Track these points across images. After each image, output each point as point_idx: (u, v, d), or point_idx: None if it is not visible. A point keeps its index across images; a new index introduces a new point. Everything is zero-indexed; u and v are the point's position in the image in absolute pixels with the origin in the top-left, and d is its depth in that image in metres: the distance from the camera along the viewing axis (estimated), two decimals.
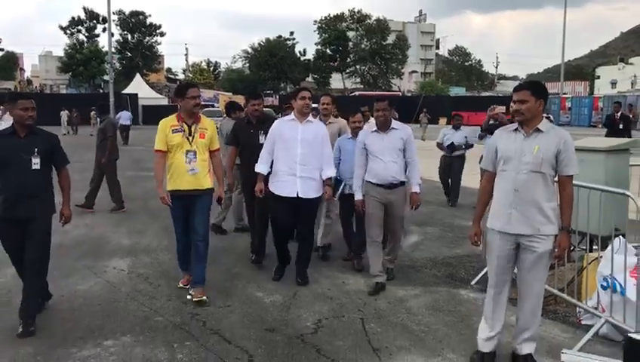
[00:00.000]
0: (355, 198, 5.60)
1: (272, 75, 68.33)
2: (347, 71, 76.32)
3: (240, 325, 4.55)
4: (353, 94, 61.00)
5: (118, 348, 4.09)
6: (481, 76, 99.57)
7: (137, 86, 52.01)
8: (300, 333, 4.38)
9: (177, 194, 5.01)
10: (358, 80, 76.98)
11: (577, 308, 4.72)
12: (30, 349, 4.06)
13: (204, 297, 5.01)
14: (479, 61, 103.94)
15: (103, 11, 63.52)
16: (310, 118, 5.60)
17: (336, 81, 76.18)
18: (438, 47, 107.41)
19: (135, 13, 68.10)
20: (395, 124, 5.52)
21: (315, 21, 75.84)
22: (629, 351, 3.01)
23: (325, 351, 4.08)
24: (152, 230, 7.96)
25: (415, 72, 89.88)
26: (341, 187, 6.19)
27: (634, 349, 2.97)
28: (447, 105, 52.63)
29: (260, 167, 5.54)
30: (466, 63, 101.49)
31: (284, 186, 5.40)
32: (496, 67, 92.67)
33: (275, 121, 5.80)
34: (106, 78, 58.99)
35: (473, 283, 5.66)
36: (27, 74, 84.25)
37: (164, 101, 52.11)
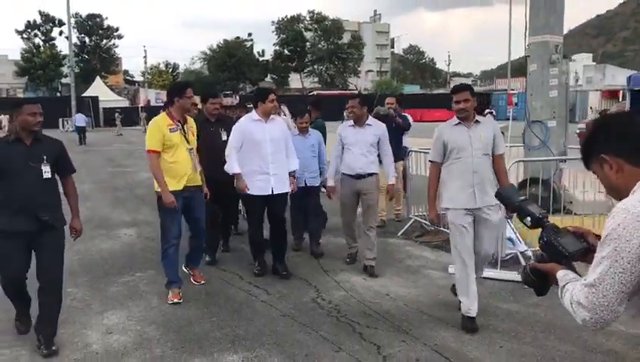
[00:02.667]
0: (327, 184, 6.20)
1: (230, 75, 69.40)
2: (305, 71, 77.96)
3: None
4: (311, 94, 62.68)
5: (145, 277, 5.80)
6: (435, 74, 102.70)
7: (97, 89, 52.55)
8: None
9: (179, 193, 5.00)
10: (316, 79, 78.72)
11: None
12: (84, 279, 5.72)
13: (203, 281, 5.55)
14: (432, 59, 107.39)
15: (58, 14, 63.78)
16: (273, 116, 5.79)
17: (295, 81, 77.69)
18: (393, 46, 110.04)
19: (92, 16, 68.14)
20: (370, 120, 5.94)
21: (273, 22, 77.36)
22: None
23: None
24: (144, 209, 9.55)
25: (371, 71, 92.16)
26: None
27: None
28: (402, 103, 55.06)
29: (235, 167, 5.55)
30: (420, 62, 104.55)
31: (260, 186, 5.57)
32: (448, 65, 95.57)
33: (240, 121, 5.84)
34: (64, 81, 59.35)
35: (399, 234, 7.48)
36: None
37: (124, 103, 52.88)
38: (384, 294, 5.26)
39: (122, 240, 7.49)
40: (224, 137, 6.04)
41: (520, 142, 7.45)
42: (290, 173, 5.78)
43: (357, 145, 5.84)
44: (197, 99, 6.68)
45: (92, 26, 68.12)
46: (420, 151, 8.16)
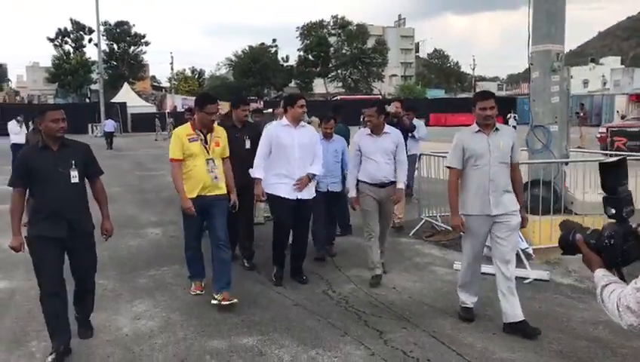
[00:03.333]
0: (350, 195, 5.99)
1: (255, 81, 70.24)
2: (329, 76, 78.47)
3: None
4: (335, 98, 63.17)
5: (171, 271, 6.28)
6: (461, 78, 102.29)
7: (125, 95, 53.66)
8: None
9: (196, 201, 5.08)
10: (340, 84, 79.21)
11: None
12: (114, 272, 6.22)
13: (235, 300, 5.07)
14: (457, 63, 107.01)
15: (88, 22, 65.34)
16: (302, 122, 5.81)
17: (319, 86, 78.28)
18: (417, 51, 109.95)
19: (120, 24, 69.62)
20: (387, 128, 5.89)
21: (297, 27, 78.06)
22: None
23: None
24: (170, 211, 10.04)
25: (395, 75, 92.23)
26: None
27: None
28: (425, 107, 55.26)
29: (259, 172, 5.59)
30: (445, 66, 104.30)
31: (285, 188, 5.59)
32: (473, 69, 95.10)
33: (269, 127, 5.99)
34: (93, 87, 60.85)
35: (410, 234, 7.84)
36: (12, 84, 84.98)
37: (152, 109, 53.88)
38: (390, 287, 5.64)
39: (149, 238, 8.00)
40: (247, 145, 6.15)
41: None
42: (309, 177, 5.70)
43: (378, 154, 5.78)
44: (225, 105, 6.85)
45: (120, 33, 69.57)
46: (432, 155, 8.52)
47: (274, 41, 76.94)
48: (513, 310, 4.48)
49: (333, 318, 4.83)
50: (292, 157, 5.57)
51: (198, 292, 5.43)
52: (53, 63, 65.51)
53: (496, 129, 4.55)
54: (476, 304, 4.92)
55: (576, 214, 6.43)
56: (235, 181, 5.45)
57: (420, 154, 8.55)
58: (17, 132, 15.31)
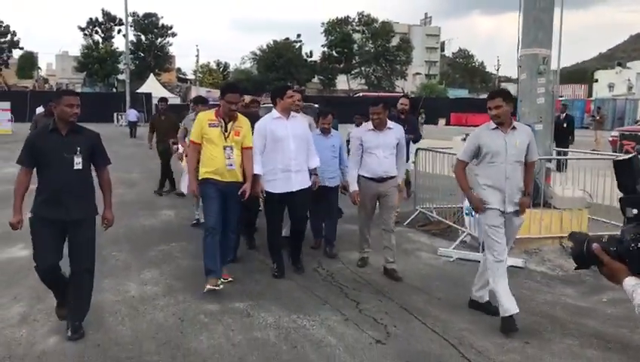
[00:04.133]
0: (351, 189, 6.05)
1: (278, 75, 70.84)
2: (352, 72, 78.79)
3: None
4: (357, 95, 63.54)
5: (179, 247, 6.90)
6: (485, 78, 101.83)
7: (151, 85, 54.65)
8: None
9: (214, 185, 5.26)
10: (363, 81, 79.54)
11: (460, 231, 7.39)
12: (127, 246, 6.86)
13: (231, 278, 5.54)
14: (482, 63, 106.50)
15: (118, 13, 66.64)
16: (292, 113, 5.87)
17: (342, 82, 78.68)
18: (443, 50, 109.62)
19: (148, 15, 70.78)
20: (390, 123, 5.99)
21: (323, 23, 78.43)
22: None
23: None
24: (188, 197, 10.66)
25: (419, 73, 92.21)
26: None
27: None
28: (446, 107, 55.48)
29: (258, 168, 5.56)
30: (469, 65, 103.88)
31: (282, 184, 5.65)
32: (497, 69, 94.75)
33: (261, 121, 5.87)
34: (120, 77, 62.07)
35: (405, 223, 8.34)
36: (42, 72, 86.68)
37: (176, 100, 54.82)
38: (376, 268, 6.16)
39: (162, 219, 8.65)
40: None
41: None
42: (311, 171, 5.86)
43: (380, 149, 5.88)
44: (247, 98, 7.02)
45: (148, 25, 70.70)
46: (429, 150, 8.98)
47: (298, 36, 77.61)
48: (505, 299, 4.53)
49: (317, 291, 5.38)
50: (287, 149, 5.64)
51: (210, 288, 5.11)
52: (82, 52, 66.84)
53: (514, 127, 4.64)
54: (450, 285, 5.44)
55: (555, 208, 6.87)
56: None
57: (417, 149, 9.00)
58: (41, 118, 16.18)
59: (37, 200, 4.17)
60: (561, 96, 60.62)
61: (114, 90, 62.42)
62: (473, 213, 6.88)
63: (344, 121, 10.96)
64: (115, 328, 4.47)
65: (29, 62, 75.25)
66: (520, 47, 7.09)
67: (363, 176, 5.98)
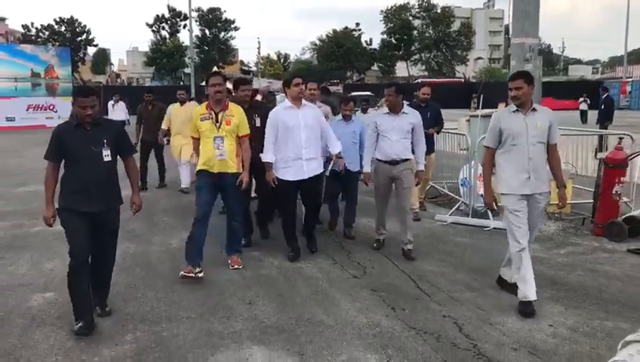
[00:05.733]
0: (364, 170, 6.34)
1: (338, 64, 71.86)
2: (412, 59, 78.72)
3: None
4: (416, 81, 63.74)
5: (189, 221, 8.22)
6: (552, 61, 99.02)
7: None
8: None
9: (207, 175, 5.51)
10: (424, 67, 79.36)
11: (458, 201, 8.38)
12: (173, 213, 8.27)
13: (241, 266, 5.77)
14: (549, 45, 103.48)
15: (183, 9, 69.40)
16: (304, 101, 5.98)
17: (402, 69, 78.81)
18: (507, 33, 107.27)
19: (212, 10, 73.21)
20: (406, 108, 6.19)
21: (382, 11, 78.54)
22: None
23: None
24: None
25: (481, 58, 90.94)
26: (330, 165, 6.66)
27: None
28: (505, 90, 54.72)
29: (269, 156, 5.80)
30: None
31: (294, 172, 5.84)
32: (562, 51, 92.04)
33: (273, 111, 6.03)
34: (186, 70, 64.84)
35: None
36: (114, 68, 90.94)
37: None
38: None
39: (181, 200, 9.66)
40: (257, 123, 6.30)
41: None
42: (337, 155, 6.12)
43: (393, 132, 6.06)
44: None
45: (212, 19, 73.16)
46: (445, 132, 9.91)
47: (357, 25, 78.15)
48: (525, 285, 4.57)
49: (322, 247, 6.50)
50: (298, 137, 5.80)
51: (185, 274, 5.32)
52: (150, 48, 70.06)
53: (534, 109, 4.66)
54: (434, 241, 6.53)
55: None
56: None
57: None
58: (111, 110, 18.21)
59: (64, 192, 4.28)
60: (629, 77, 58.88)
61: (181, 82, 65.21)
62: (467, 184, 7.95)
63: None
64: (157, 267, 5.87)
65: (102, 58, 79.36)
66: (511, 36, 7.99)
67: (377, 159, 6.25)
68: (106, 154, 4.25)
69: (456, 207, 8.17)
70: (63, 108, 26.52)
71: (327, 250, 6.37)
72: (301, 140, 5.80)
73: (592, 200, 7.44)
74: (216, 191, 5.60)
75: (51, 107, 30.40)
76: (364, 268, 5.73)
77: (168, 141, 10.52)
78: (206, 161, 5.49)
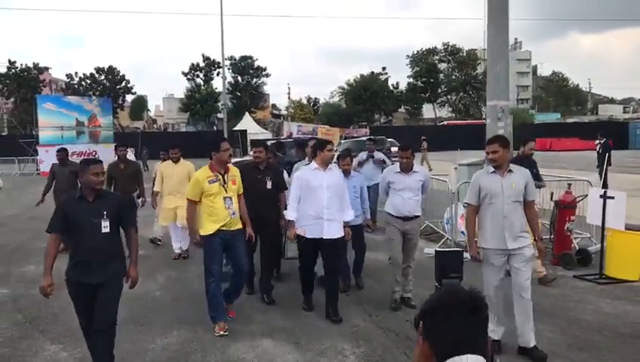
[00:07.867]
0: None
1: (365, 107, 73.42)
2: (438, 101, 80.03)
3: None
4: (442, 124, 65.11)
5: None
6: (581, 100, 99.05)
7: (246, 123, 59.20)
8: None
9: (219, 236, 5.61)
10: (450, 109, 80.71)
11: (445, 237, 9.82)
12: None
13: (233, 316, 6.05)
14: (577, 85, 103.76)
15: (217, 57, 72.52)
16: (330, 165, 6.20)
17: (429, 110, 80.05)
18: (535, 73, 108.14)
19: (244, 58, 76.00)
20: (416, 167, 6.60)
21: (408, 56, 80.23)
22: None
23: None
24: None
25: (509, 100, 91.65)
26: None
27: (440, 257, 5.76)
28: (532, 133, 55.53)
29: (291, 214, 6.10)
30: (563, 88, 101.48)
31: (312, 229, 6.04)
32: (589, 91, 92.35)
33: (299, 171, 6.48)
34: (219, 116, 67.43)
35: None
36: (151, 113, 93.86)
37: (269, 135, 59.16)
38: (372, 259, 8.77)
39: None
40: (269, 185, 6.78)
41: None
42: (345, 224, 6.20)
43: (406, 190, 6.39)
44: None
45: (244, 67, 76.00)
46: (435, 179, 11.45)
47: (383, 69, 79.99)
48: (527, 335, 5.01)
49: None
50: (320, 198, 6.02)
51: (221, 333, 5.64)
52: (185, 94, 73.06)
53: (510, 170, 5.03)
54: (419, 269, 8.01)
55: None
56: (257, 213, 6.21)
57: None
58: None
59: (69, 264, 4.46)
60: None
61: (214, 128, 67.68)
62: (450, 222, 9.45)
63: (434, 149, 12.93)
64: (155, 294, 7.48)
65: (139, 105, 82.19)
66: (487, 98, 9.57)
67: (390, 214, 6.52)
68: (105, 226, 4.34)
69: (442, 241, 9.65)
70: (105, 154, 28.00)
71: None
72: (323, 200, 6.03)
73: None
74: (228, 249, 5.85)
75: (94, 153, 32.30)
76: (352, 287, 7.25)
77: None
78: (221, 221, 5.66)
